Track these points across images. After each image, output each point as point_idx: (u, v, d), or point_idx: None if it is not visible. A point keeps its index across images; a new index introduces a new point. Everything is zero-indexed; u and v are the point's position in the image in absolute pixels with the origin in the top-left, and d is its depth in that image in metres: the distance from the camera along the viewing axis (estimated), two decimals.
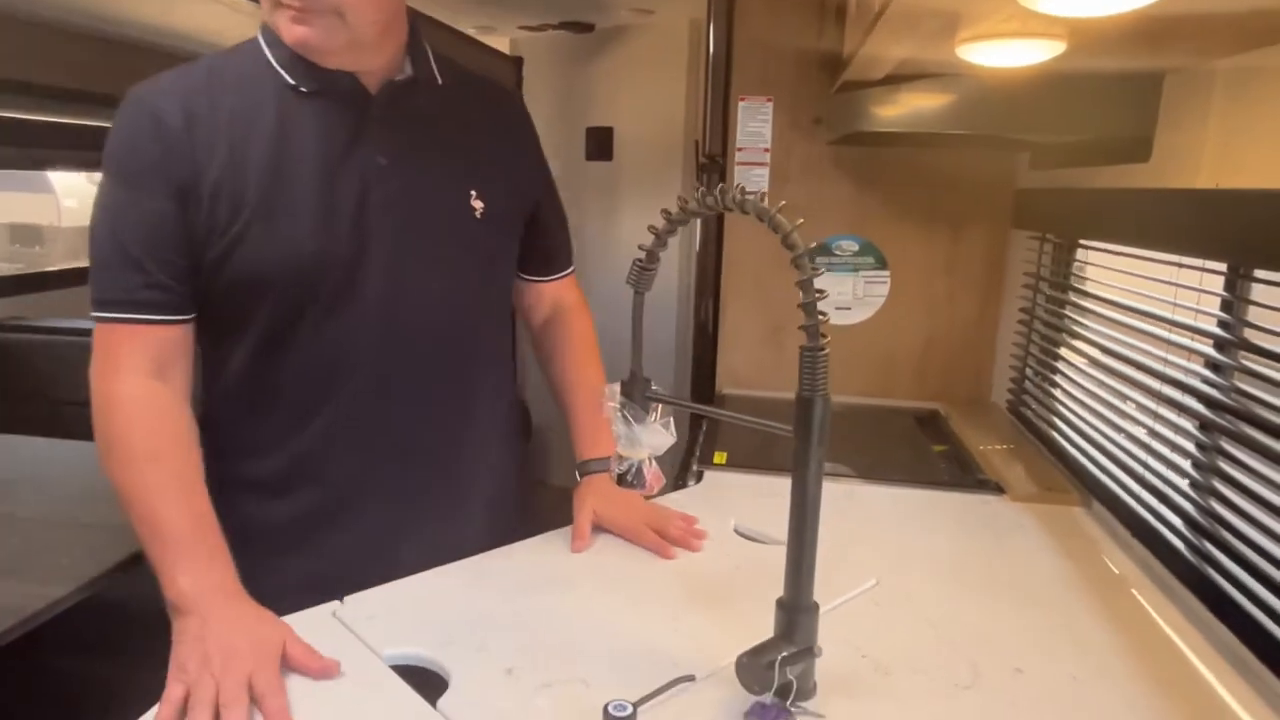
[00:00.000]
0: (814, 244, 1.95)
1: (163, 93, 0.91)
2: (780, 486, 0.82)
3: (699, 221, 2.18)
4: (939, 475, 1.50)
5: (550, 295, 1.24)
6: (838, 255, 1.97)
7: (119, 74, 0.99)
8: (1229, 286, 1.04)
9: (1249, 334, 1.02)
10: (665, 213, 0.83)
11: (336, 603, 0.93)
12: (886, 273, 1.98)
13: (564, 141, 3.56)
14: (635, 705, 0.67)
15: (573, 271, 1.27)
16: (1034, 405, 1.71)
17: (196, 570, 0.83)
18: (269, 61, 0.95)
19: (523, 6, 3.04)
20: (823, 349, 0.76)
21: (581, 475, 1.17)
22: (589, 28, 3.35)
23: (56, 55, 1.92)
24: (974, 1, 0.81)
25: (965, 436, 1.66)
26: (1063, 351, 1.57)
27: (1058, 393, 1.60)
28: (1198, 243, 1.06)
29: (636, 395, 0.88)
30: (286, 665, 0.79)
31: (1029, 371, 1.76)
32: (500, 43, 3.53)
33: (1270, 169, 0.95)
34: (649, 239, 0.86)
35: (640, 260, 0.86)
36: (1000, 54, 0.97)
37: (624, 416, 0.88)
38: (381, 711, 0.75)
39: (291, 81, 0.94)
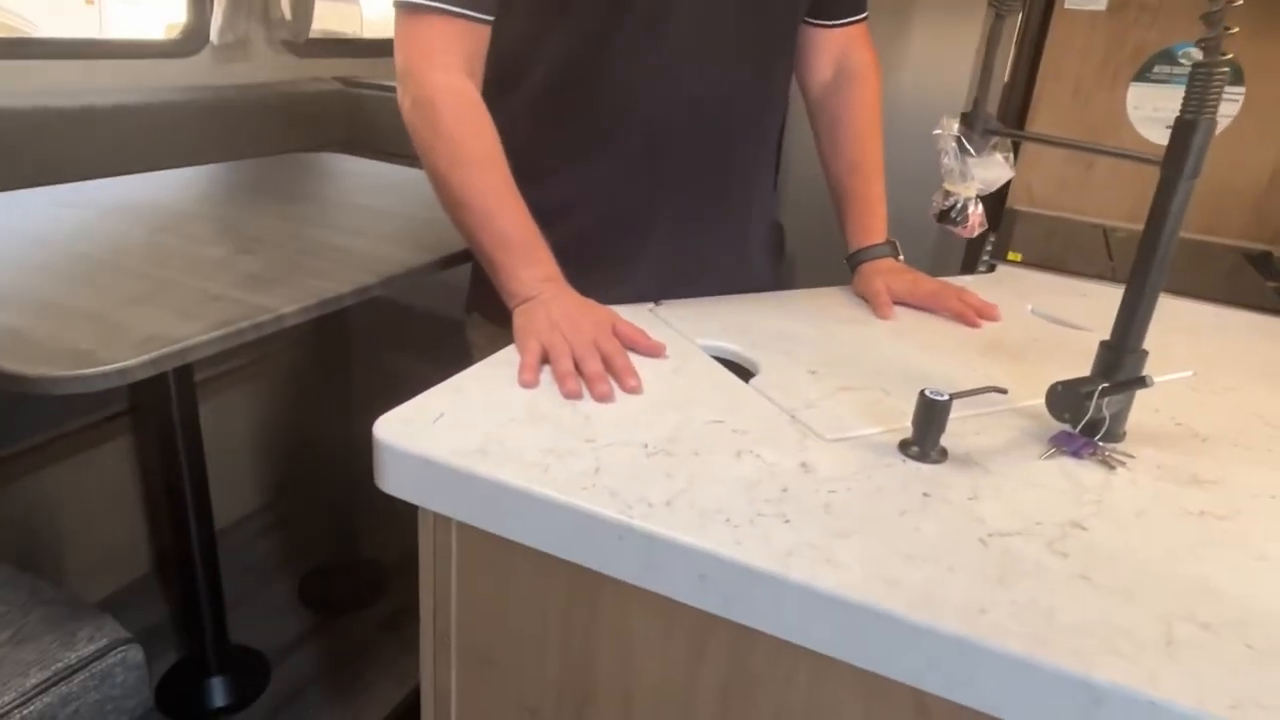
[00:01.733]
0: (1156, 50, 1.74)
1: None
2: (1079, 288, 0.78)
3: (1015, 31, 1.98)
4: (1270, 302, 1.34)
5: (835, 47, 1.15)
6: (1182, 64, 1.73)
7: None
8: None
9: None
10: None
11: (653, 304, 1.03)
12: (1241, 89, 1.72)
13: None
14: (951, 396, 0.70)
15: (865, 19, 1.16)
16: None
17: (534, 265, 0.91)
18: None
19: None
20: (1220, 65, 0.69)
21: (856, 264, 1.14)
22: None
23: None
24: None
25: None
26: None
27: None
28: None
29: (977, 125, 0.86)
30: (619, 340, 0.87)
31: None
32: None
33: None
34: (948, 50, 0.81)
35: None
36: None
37: (960, 147, 0.87)
38: (701, 382, 0.84)
39: None
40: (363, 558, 1.87)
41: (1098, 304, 1.10)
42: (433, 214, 1.44)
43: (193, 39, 2.05)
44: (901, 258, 1.15)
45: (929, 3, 1.86)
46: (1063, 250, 1.54)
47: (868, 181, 1.16)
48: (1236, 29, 0.69)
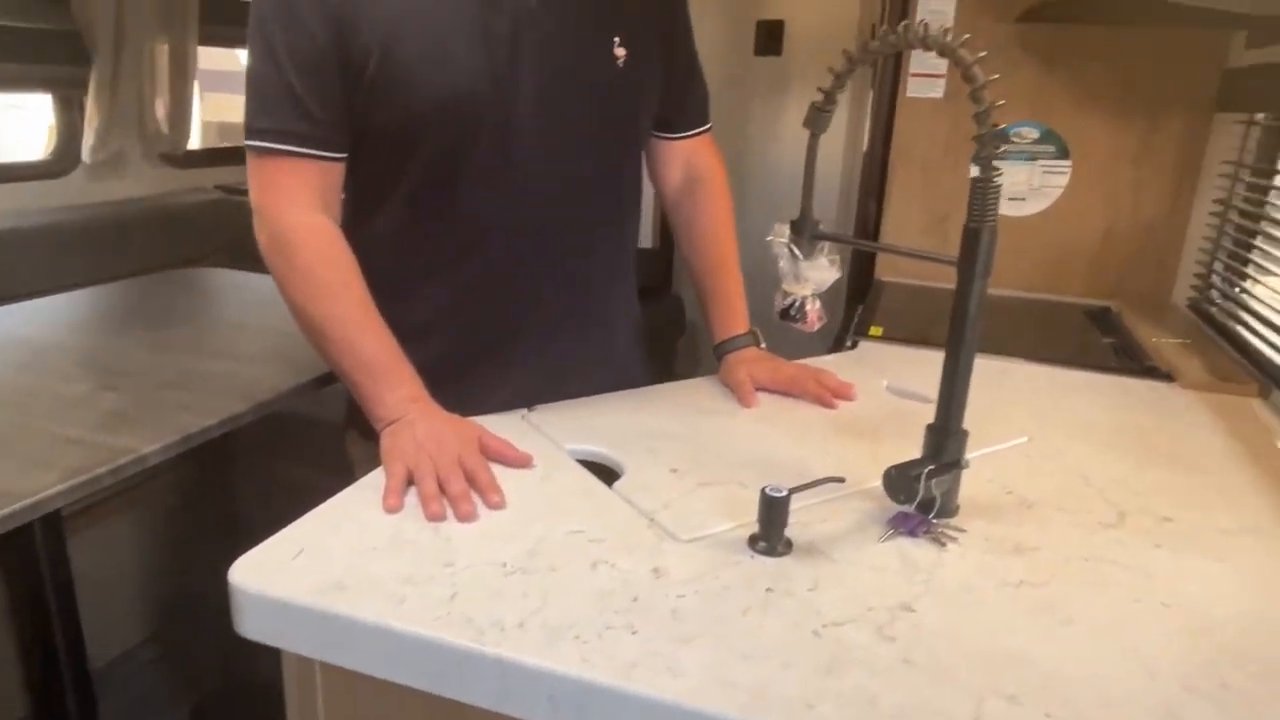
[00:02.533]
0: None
1: None
2: (935, 359, 0.85)
3: (870, 112, 2.15)
4: (1104, 361, 1.47)
5: (684, 155, 1.21)
6: (1015, 143, 1.90)
7: None
8: None
9: None
10: (845, 52, 0.87)
11: (525, 410, 1.06)
12: (1067, 162, 1.89)
13: (733, 36, 3.52)
14: (790, 490, 0.75)
15: (709, 130, 1.23)
16: (1219, 301, 1.62)
17: (397, 387, 0.92)
18: None
19: None
20: (994, 181, 0.78)
21: (721, 355, 1.19)
22: None
23: None
24: None
25: (1137, 331, 1.61)
26: (1258, 241, 1.48)
27: (1248, 284, 1.51)
28: None
29: (805, 232, 0.93)
30: (485, 456, 0.90)
31: (1218, 265, 1.66)
32: None
33: None
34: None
35: (818, 103, 0.90)
36: None
37: (790, 252, 0.94)
38: (566, 490, 0.87)
39: None
40: (256, 682, 1.80)
41: None
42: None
43: (63, 158, 2.03)
44: (763, 345, 1.22)
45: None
46: (927, 320, 1.64)
47: (725, 277, 1.22)
48: (1005, 148, 0.78)
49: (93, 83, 1.97)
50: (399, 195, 1.01)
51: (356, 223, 1.02)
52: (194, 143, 2.58)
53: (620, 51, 1.03)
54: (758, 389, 1.15)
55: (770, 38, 3.49)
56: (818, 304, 0.98)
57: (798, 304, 0.97)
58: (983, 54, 0.78)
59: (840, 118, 3.11)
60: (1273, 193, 1.45)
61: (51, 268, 1.85)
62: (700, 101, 1.22)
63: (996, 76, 0.78)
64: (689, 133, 1.21)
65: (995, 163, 0.78)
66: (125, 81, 2.04)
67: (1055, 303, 1.90)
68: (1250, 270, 1.50)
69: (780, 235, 0.95)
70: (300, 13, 0.90)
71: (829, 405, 1.13)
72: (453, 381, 1.02)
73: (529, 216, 1.03)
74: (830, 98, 0.89)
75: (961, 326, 0.82)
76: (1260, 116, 1.55)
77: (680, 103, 1.18)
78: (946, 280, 0.80)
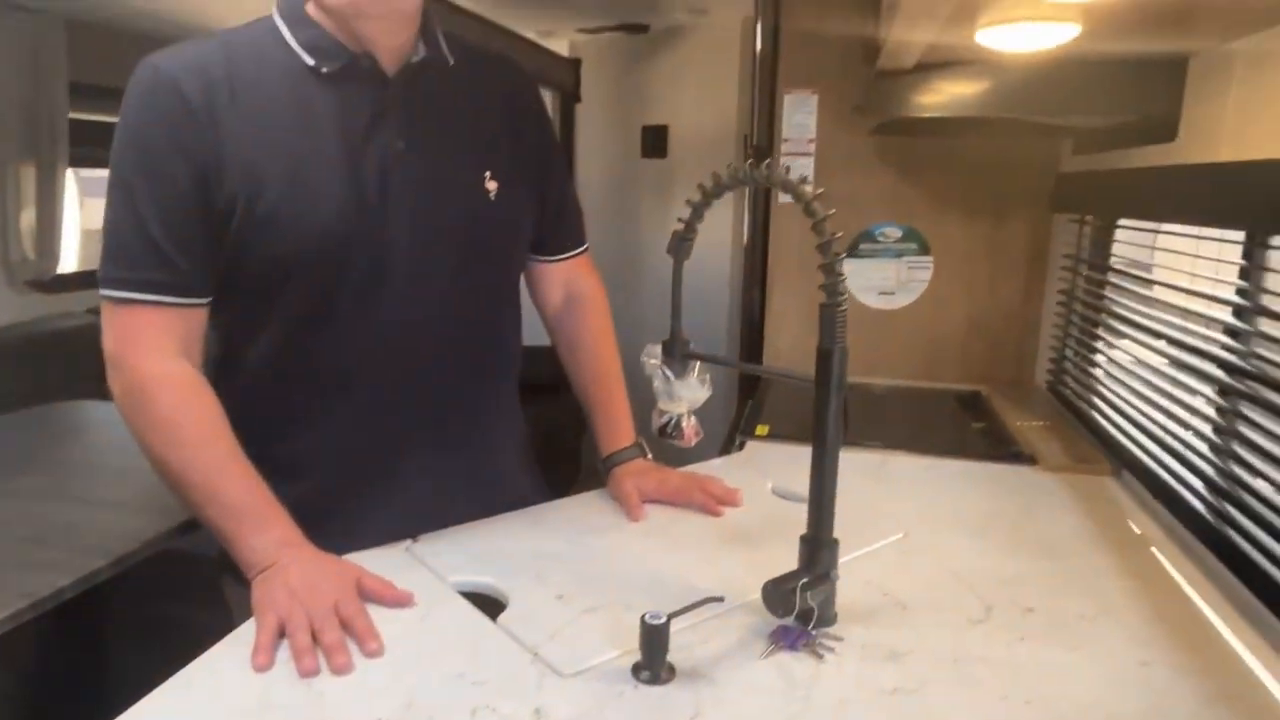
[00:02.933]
0: (858, 231, 2.03)
1: (183, 66, 0.90)
2: None
3: (747, 211, 2.27)
4: (974, 448, 1.55)
5: (562, 277, 1.24)
6: (880, 242, 2.03)
7: None
8: (1246, 255, 1.09)
9: (1267, 300, 1.06)
10: (700, 186, 0.92)
11: (410, 540, 1.04)
12: (929, 258, 2.03)
13: (620, 140, 3.68)
14: (669, 616, 0.76)
15: (585, 251, 1.26)
16: (1072, 384, 1.74)
17: (267, 530, 0.89)
18: (288, 44, 0.95)
19: (581, 10, 3.16)
20: (840, 305, 0.84)
21: (608, 469, 1.20)
22: (644, 29, 3.45)
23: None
24: None
25: (1004, 415, 1.71)
26: (1100, 330, 1.61)
27: (1095, 369, 1.63)
28: (1217, 214, 1.11)
29: (675, 353, 0.97)
30: (364, 598, 0.87)
31: (1068, 351, 1.79)
32: (560, 45, 3.66)
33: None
34: (701, 234, 0.94)
35: (679, 231, 0.95)
36: (1017, 38, 1.03)
37: (663, 373, 0.98)
38: (449, 627, 0.86)
39: (312, 63, 0.94)
40: None
41: None
42: None
43: None
44: (649, 456, 1.24)
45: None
46: (807, 416, 1.71)
47: (608, 391, 1.25)
48: (846, 274, 0.84)
49: None
50: (269, 334, 0.99)
51: (227, 361, 1.01)
52: (74, 253, 2.49)
53: (491, 185, 1.05)
54: (645, 501, 1.17)
55: (655, 141, 3.65)
56: (693, 420, 1.02)
57: (674, 421, 1.01)
58: (821, 190, 0.84)
59: (726, 213, 3.25)
60: (1108, 287, 1.59)
61: None
62: (575, 226, 1.25)
63: (833, 211, 0.84)
64: (566, 255, 1.24)
65: (840, 285, 0.84)
66: None
67: (930, 390, 2.00)
68: (1096, 357, 1.63)
69: (652, 356, 0.98)
70: (162, 161, 0.89)
71: (715, 514, 1.16)
72: (337, 515, 1.01)
73: (403, 350, 1.02)
74: (690, 227, 0.95)
75: (823, 441, 0.86)
76: (1089, 217, 1.71)
77: (556, 228, 1.21)
78: None
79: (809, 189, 0.84)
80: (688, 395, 0.97)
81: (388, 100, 0.97)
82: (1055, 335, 1.88)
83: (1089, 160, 1.73)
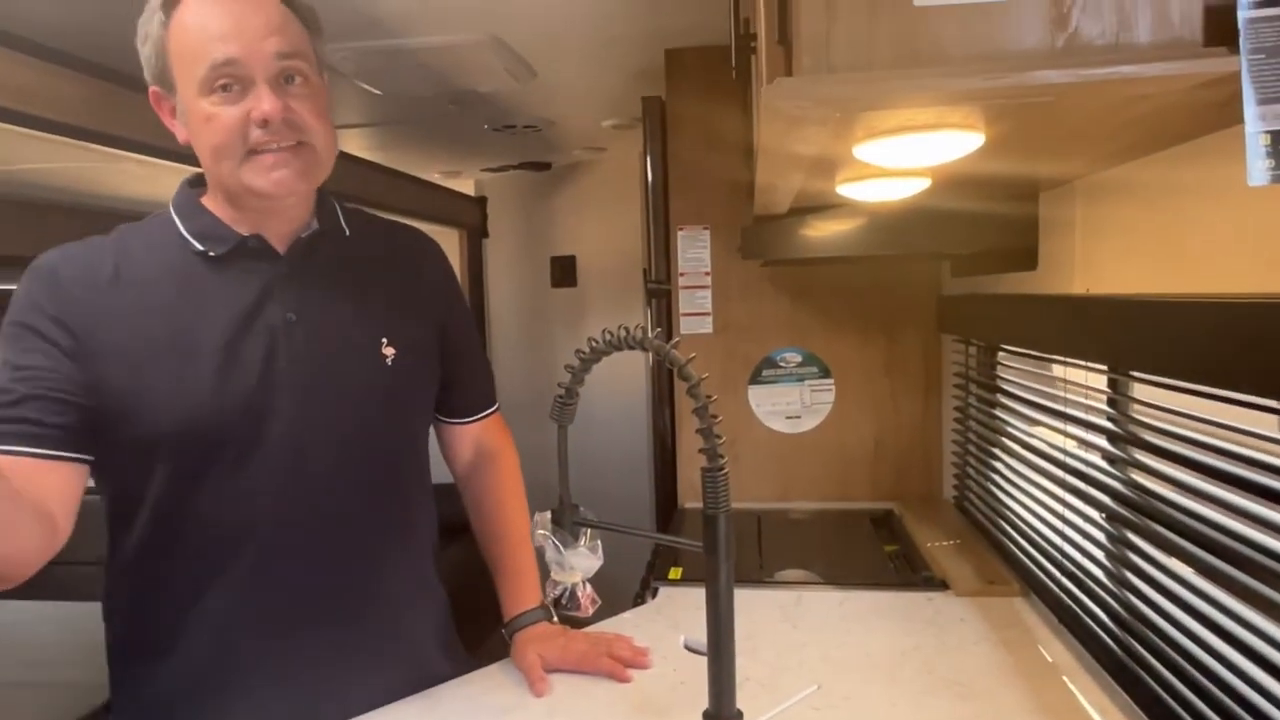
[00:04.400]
0: (759, 358, 2.07)
1: (66, 257, 0.96)
2: (736, 598, 0.86)
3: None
4: (888, 576, 1.54)
5: (472, 438, 1.24)
6: (782, 367, 2.07)
7: (43, 239, 1.03)
8: (1111, 385, 1.13)
9: (1138, 429, 1.10)
10: (579, 352, 0.92)
11: None
12: (830, 380, 2.07)
13: (530, 271, 3.74)
14: None
15: (495, 412, 1.27)
16: (976, 501, 1.77)
17: None
18: (179, 231, 0.99)
19: (484, 151, 3.25)
20: (722, 469, 0.83)
21: (511, 633, 1.17)
22: (546, 166, 3.57)
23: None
24: (829, 155, 0.93)
25: (915, 534, 1.72)
26: (995, 449, 1.65)
27: (994, 488, 1.66)
28: (1078, 348, 1.16)
29: (565, 522, 0.94)
30: None
31: (969, 468, 1.83)
32: (465, 185, 3.74)
33: (1121, 275, 1.06)
34: (615, 364, 0.94)
35: (560, 396, 0.94)
36: (875, 191, 1.09)
37: (554, 543, 0.94)
38: None
39: (201, 248, 0.98)
40: None
41: (746, 615, 1.18)
42: (57, 675, 1.29)
43: None
44: (555, 619, 1.19)
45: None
46: None
47: (514, 550, 1.21)
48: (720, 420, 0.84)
49: None
50: (140, 514, 0.96)
51: (110, 537, 1.00)
52: None
53: (389, 351, 1.05)
54: (549, 670, 1.12)
55: (564, 271, 3.72)
56: (588, 589, 0.98)
57: (568, 592, 0.97)
58: (693, 355, 0.85)
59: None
60: (998, 407, 1.64)
61: None
62: (484, 386, 1.25)
63: (706, 375, 0.84)
64: (475, 417, 1.24)
65: (719, 448, 0.83)
66: None
67: (845, 511, 2.01)
68: (994, 476, 1.66)
69: (542, 526, 0.95)
70: (39, 337, 0.91)
71: (623, 680, 1.11)
72: (209, 702, 0.98)
73: (286, 523, 0.98)
74: (571, 392, 0.93)
75: (716, 606, 0.83)
76: (973, 339, 1.78)
77: (464, 389, 1.21)
78: (751, 500, 0.83)
79: (679, 355, 0.85)
80: (581, 564, 0.94)
81: (278, 275, 1.00)
82: (955, 452, 1.92)
83: (966, 283, 1.81)
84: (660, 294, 2.14)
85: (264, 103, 0.91)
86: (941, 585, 1.44)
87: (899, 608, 1.37)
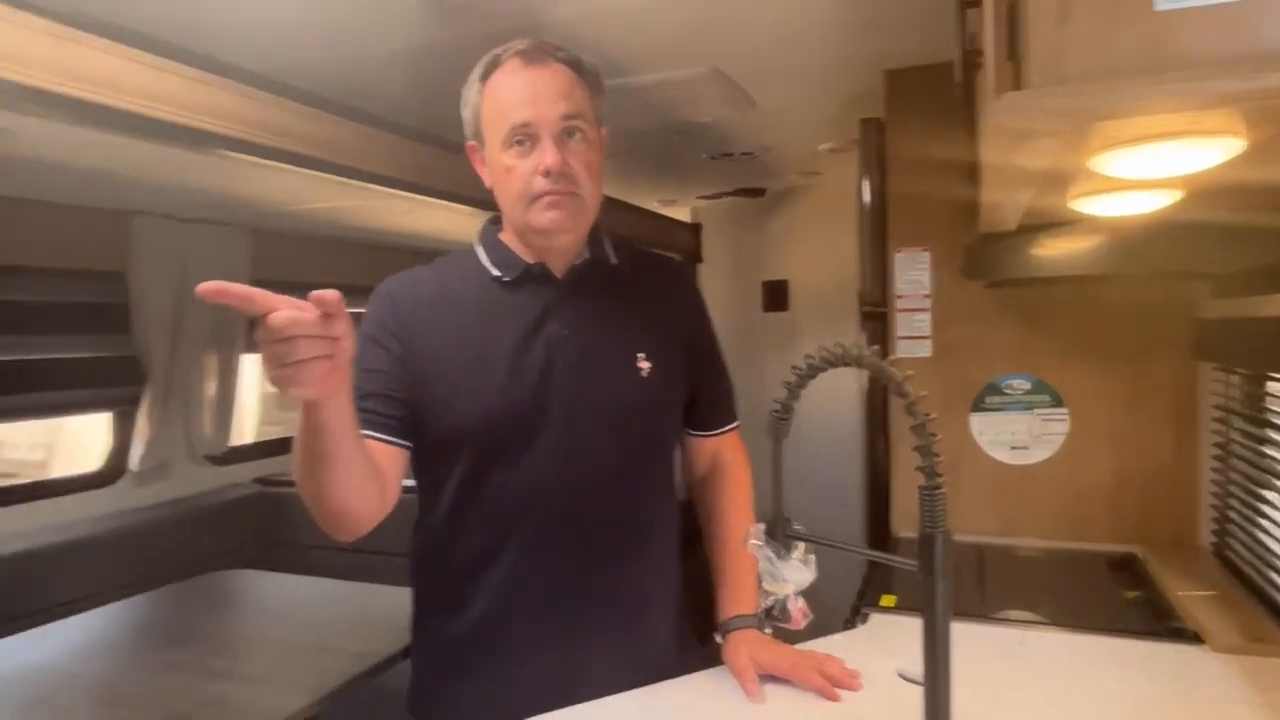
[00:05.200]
0: (983, 384, 1.97)
1: (400, 284, 1.20)
2: (956, 632, 0.84)
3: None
4: (1126, 622, 1.41)
5: (709, 450, 1.36)
6: (1008, 394, 1.96)
7: (377, 272, 1.26)
8: None
9: None
10: (795, 368, 0.94)
11: None
12: (1064, 410, 1.93)
13: (742, 296, 3.79)
14: None
15: (734, 429, 1.38)
16: (1240, 548, 1.58)
17: None
18: (480, 261, 1.21)
19: (701, 179, 3.35)
20: (939, 488, 0.82)
21: (725, 634, 1.23)
22: (760, 192, 3.61)
23: (328, 260, 2.39)
24: (1061, 168, 0.89)
25: (1163, 582, 1.56)
26: (1266, 491, 1.46)
27: (1264, 535, 1.48)
28: None
29: (778, 534, 0.96)
30: None
31: (1231, 511, 1.63)
32: (681, 213, 3.87)
33: None
34: (832, 378, 0.97)
35: (776, 411, 0.96)
36: (1116, 205, 1.02)
37: (767, 554, 0.97)
38: None
39: (497, 273, 1.19)
40: None
41: (965, 650, 1.14)
42: (325, 639, 1.49)
43: (111, 470, 2.17)
44: (768, 631, 1.21)
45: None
46: None
47: (736, 560, 1.28)
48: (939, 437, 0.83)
49: (146, 399, 2.16)
50: (444, 492, 1.17)
51: (421, 513, 1.23)
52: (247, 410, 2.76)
53: (644, 365, 1.20)
54: (760, 674, 1.15)
55: (776, 296, 3.73)
56: (800, 602, 0.99)
57: (780, 604, 0.98)
58: (910, 373, 0.84)
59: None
60: (1268, 444, 1.45)
61: (85, 578, 1.93)
62: (725, 403, 1.36)
63: (925, 393, 0.84)
64: (715, 432, 1.35)
65: (937, 466, 0.82)
66: (175, 394, 2.24)
67: (1078, 552, 1.85)
68: (1265, 522, 1.48)
69: (756, 538, 0.98)
70: (377, 344, 1.15)
71: (832, 698, 1.11)
72: (497, 647, 1.17)
73: (553, 507, 1.15)
74: (787, 408, 0.96)
75: (933, 629, 0.82)
76: (1238, 367, 1.59)
77: (706, 405, 1.33)
78: (971, 533, 0.82)
79: (895, 371, 0.85)
80: (793, 577, 0.95)
81: (556, 298, 1.19)
82: (1215, 494, 1.72)
83: (1230, 305, 1.63)
84: (875, 317, 2.10)
85: (548, 157, 1.10)
86: (1194, 638, 1.30)
87: (1140, 658, 1.25)
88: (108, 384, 2.15)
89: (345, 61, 1.62)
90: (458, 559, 1.18)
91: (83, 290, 2.05)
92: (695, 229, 3.83)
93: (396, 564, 1.94)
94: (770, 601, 0.99)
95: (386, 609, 1.67)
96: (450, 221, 2.22)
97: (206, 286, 0.77)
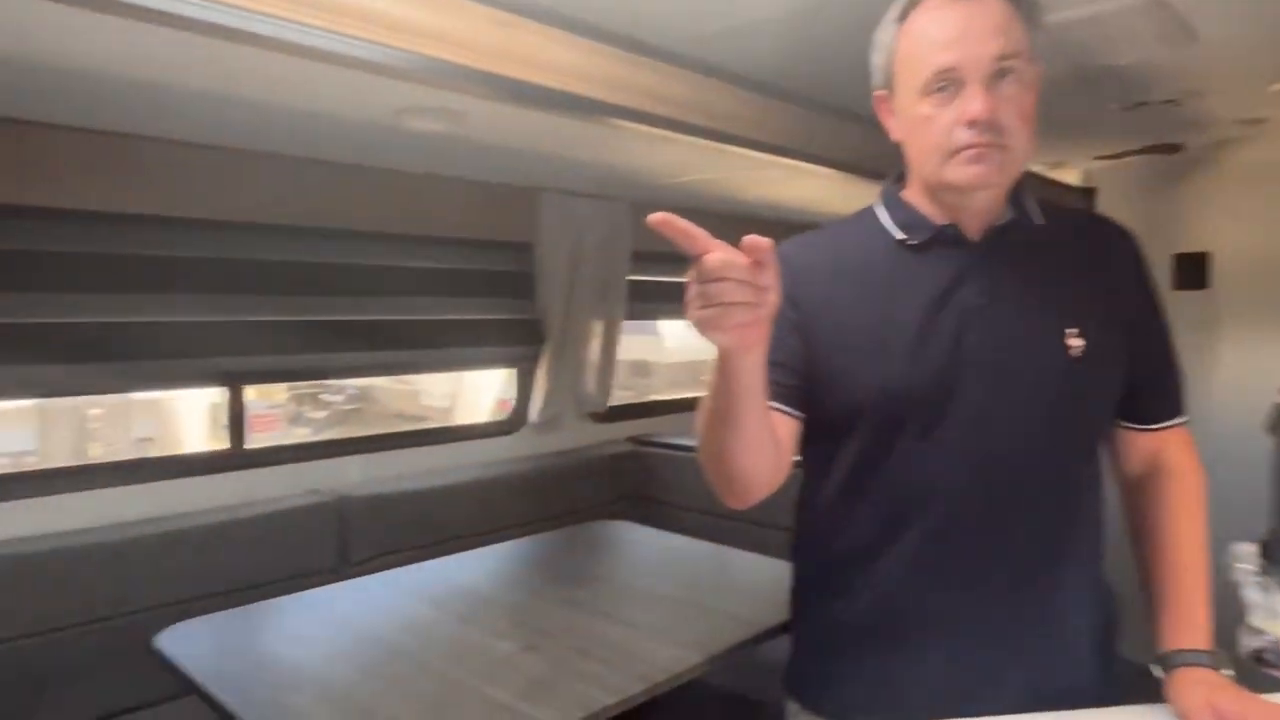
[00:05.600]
0: None
1: (797, 249, 1.12)
2: None
3: None
4: None
5: (1146, 448, 1.15)
6: None
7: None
8: None
9: None
10: None
11: None
12: None
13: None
14: None
15: (1182, 424, 1.15)
16: None
17: None
18: (881, 225, 1.11)
19: (1102, 136, 2.92)
20: None
21: (1169, 668, 1.02)
22: (1176, 148, 3.06)
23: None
24: None
25: None
26: None
27: None
28: None
29: (1276, 555, 0.77)
30: None
31: None
32: (1070, 175, 3.42)
33: None
34: (1258, 378, 0.77)
35: None
36: None
37: (1261, 582, 0.78)
38: None
39: (902, 236, 1.09)
40: None
41: None
42: (708, 600, 1.53)
43: (515, 420, 2.46)
44: (1228, 673, 1.00)
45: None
46: None
47: (1185, 583, 1.07)
48: None
49: (544, 358, 2.42)
50: (835, 470, 1.10)
51: (805, 493, 1.17)
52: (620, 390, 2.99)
53: (1075, 343, 1.04)
54: None
55: (1192, 271, 3.16)
56: None
57: (1274, 645, 0.79)
58: None
59: None
60: None
61: (493, 514, 2.20)
62: (1173, 392, 1.16)
63: None
64: (1157, 425, 1.14)
65: None
66: (568, 355, 2.46)
67: None
68: None
69: (1245, 559, 0.79)
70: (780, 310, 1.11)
71: None
72: (885, 634, 1.09)
73: (959, 497, 1.04)
74: None
75: None
76: None
77: (1148, 393, 1.14)
78: None
79: None
80: None
81: (971, 262, 1.06)
82: None
83: None
84: None
85: (975, 104, 0.96)
86: None
87: None
88: (514, 343, 2.44)
89: (736, 30, 1.62)
90: (845, 543, 1.11)
91: (499, 259, 2.34)
92: (1089, 194, 3.36)
93: (759, 534, 1.98)
94: (1262, 642, 0.80)
95: (761, 578, 1.69)
96: (822, 190, 2.16)
97: (656, 216, 0.77)
